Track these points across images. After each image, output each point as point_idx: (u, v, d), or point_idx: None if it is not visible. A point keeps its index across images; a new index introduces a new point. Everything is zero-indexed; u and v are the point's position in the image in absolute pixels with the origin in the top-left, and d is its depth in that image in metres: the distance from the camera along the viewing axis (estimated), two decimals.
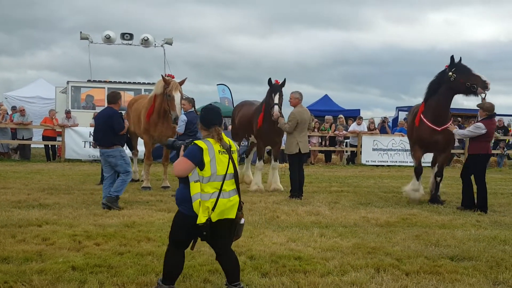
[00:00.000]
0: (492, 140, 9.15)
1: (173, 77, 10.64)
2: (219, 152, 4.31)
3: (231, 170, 4.36)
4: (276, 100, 10.40)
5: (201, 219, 4.17)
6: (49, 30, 64.77)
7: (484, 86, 9.11)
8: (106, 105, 9.40)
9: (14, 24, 59.19)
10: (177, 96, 10.09)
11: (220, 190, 4.25)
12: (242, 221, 4.46)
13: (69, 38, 62.18)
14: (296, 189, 10.10)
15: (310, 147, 15.20)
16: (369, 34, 73.85)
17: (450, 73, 9.30)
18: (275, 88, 10.52)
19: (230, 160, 4.35)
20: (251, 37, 79.78)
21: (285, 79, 10.63)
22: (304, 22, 78.37)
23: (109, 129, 8.57)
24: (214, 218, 4.21)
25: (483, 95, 9.20)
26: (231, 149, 4.41)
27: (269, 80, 10.63)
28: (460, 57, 9.40)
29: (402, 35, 73.71)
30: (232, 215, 4.34)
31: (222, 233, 4.37)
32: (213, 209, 4.19)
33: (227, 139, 4.44)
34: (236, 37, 78.97)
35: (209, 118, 4.43)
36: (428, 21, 73.79)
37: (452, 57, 9.41)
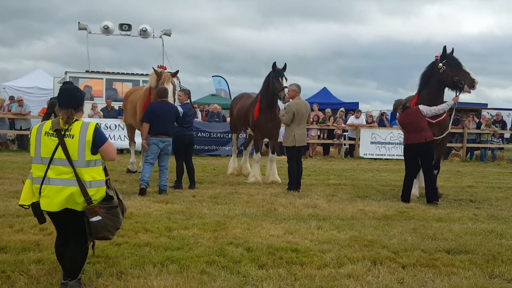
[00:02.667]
0: (409, 131, 9.15)
1: (165, 68, 10.56)
2: (45, 134, 4.04)
3: (60, 155, 3.99)
4: (284, 83, 10.26)
5: (22, 201, 4.13)
6: (44, 20, 64.54)
7: (471, 85, 8.95)
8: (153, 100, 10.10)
9: (8, 13, 59.01)
10: (169, 88, 10.01)
11: (45, 174, 3.99)
12: (96, 218, 3.99)
13: (65, 28, 62.05)
14: (294, 182, 10.09)
15: (308, 140, 15.16)
16: (364, 26, 73.86)
17: (440, 65, 9.13)
18: (280, 72, 10.38)
19: (60, 145, 4.00)
20: (248, 29, 79.71)
21: (285, 64, 10.51)
22: (300, 14, 78.31)
23: (171, 121, 9.40)
24: (44, 206, 4.02)
25: (467, 93, 9.09)
26: (67, 132, 4.02)
27: (274, 64, 10.44)
28: (453, 48, 9.24)
29: (397, 28, 73.76)
30: (67, 205, 4.01)
31: (67, 223, 4.17)
32: (40, 193, 4.04)
33: (76, 123, 4.06)
34: (233, 29, 78.89)
35: (64, 99, 4.16)
36: (424, 14, 73.73)
37: (444, 48, 9.23)
